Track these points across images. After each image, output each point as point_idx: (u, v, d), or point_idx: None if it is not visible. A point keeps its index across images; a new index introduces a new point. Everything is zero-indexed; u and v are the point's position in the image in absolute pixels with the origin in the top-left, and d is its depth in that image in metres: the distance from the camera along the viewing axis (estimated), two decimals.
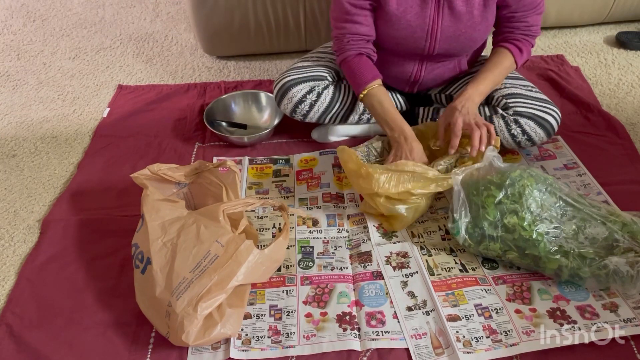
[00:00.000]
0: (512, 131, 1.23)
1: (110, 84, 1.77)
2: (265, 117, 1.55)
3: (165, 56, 1.92)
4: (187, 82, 1.75)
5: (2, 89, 1.75)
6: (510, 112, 1.23)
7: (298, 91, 1.29)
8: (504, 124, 1.23)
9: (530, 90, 1.28)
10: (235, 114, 1.55)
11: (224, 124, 1.51)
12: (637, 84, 1.64)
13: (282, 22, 1.75)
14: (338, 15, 1.20)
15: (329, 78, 1.32)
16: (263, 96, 1.55)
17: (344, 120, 1.37)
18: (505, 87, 1.28)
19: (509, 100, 1.24)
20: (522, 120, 1.22)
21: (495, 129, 1.24)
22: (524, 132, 1.23)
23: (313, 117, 1.33)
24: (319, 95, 1.29)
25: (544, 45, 1.87)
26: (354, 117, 1.36)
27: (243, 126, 1.51)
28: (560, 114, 1.25)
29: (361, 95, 1.22)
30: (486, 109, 1.27)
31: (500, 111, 1.24)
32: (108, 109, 1.62)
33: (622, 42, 1.83)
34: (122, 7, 2.25)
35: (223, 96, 1.56)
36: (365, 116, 1.37)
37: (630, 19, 1.95)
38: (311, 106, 1.30)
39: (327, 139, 1.43)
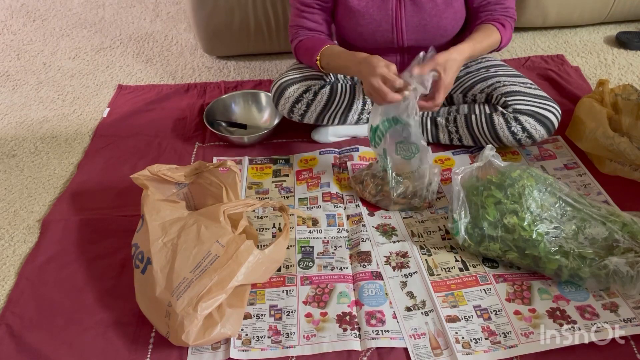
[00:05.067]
0: (512, 128, 1.23)
1: (110, 84, 1.77)
2: (265, 117, 1.55)
3: (165, 56, 1.92)
4: (187, 82, 1.75)
5: (2, 89, 1.75)
6: (510, 109, 1.23)
7: (294, 91, 1.29)
8: (504, 122, 1.23)
9: (529, 88, 1.28)
10: (235, 114, 1.55)
11: (223, 124, 1.51)
12: (638, 84, 1.64)
13: (282, 22, 1.75)
14: (292, 9, 1.29)
15: (325, 78, 1.33)
16: (263, 96, 1.55)
17: (342, 120, 1.37)
18: (504, 85, 1.28)
19: (508, 99, 1.24)
20: (522, 118, 1.22)
21: (495, 127, 1.25)
22: (524, 129, 1.23)
23: (311, 117, 1.33)
24: (315, 94, 1.29)
25: (544, 45, 1.87)
26: (352, 116, 1.36)
27: (243, 126, 1.51)
28: (560, 111, 1.25)
29: (317, 62, 1.24)
30: (486, 107, 1.27)
31: (500, 109, 1.24)
32: (108, 109, 1.62)
33: (622, 42, 1.83)
34: (122, 7, 2.25)
35: (223, 96, 1.56)
36: (365, 115, 1.37)
37: (630, 19, 1.94)
38: (308, 105, 1.30)
39: (328, 139, 1.42)
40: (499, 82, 1.29)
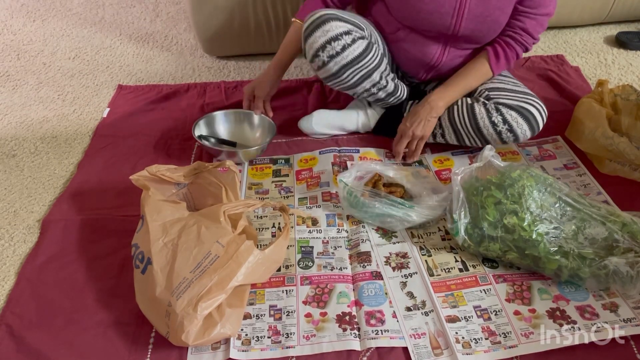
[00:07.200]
0: (493, 118, 1.22)
1: (110, 84, 1.77)
2: (257, 135, 1.45)
3: (165, 56, 1.92)
4: (187, 82, 1.75)
5: (2, 89, 1.75)
6: (492, 102, 1.23)
7: (337, 27, 1.18)
8: (484, 111, 1.23)
9: (515, 85, 1.28)
10: (225, 131, 1.45)
11: (212, 139, 1.41)
12: (637, 84, 1.64)
13: (282, 22, 1.75)
14: None
15: (366, 32, 1.25)
16: (255, 116, 1.44)
17: (361, 80, 1.27)
18: (490, 82, 1.28)
19: (491, 93, 1.24)
20: (504, 109, 1.21)
21: (476, 116, 1.23)
22: (504, 120, 1.21)
23: (338, 63, 1.21)
24: (353, 40, 1.21)
25: (544, 45, 1.87)
26: (375, 77, 1.28)
27: (232, 144, 1.43)
28: (545, 110, 1.24)
29: (292, 20, 1.26)
30: (468, 100, 1.27)
31: (481, 100, 1.24)
32: (108, 109, 1.62)
33: (622, 42, 1.83)
34: (122, 7, 2.25)
35: (213, 113, 1.44)
36: (383, 82, 1.30)
37: (630, 19, 1.95)
38: (343, 49, 1.20)
39: (312, 127, 1.41)
40: None
